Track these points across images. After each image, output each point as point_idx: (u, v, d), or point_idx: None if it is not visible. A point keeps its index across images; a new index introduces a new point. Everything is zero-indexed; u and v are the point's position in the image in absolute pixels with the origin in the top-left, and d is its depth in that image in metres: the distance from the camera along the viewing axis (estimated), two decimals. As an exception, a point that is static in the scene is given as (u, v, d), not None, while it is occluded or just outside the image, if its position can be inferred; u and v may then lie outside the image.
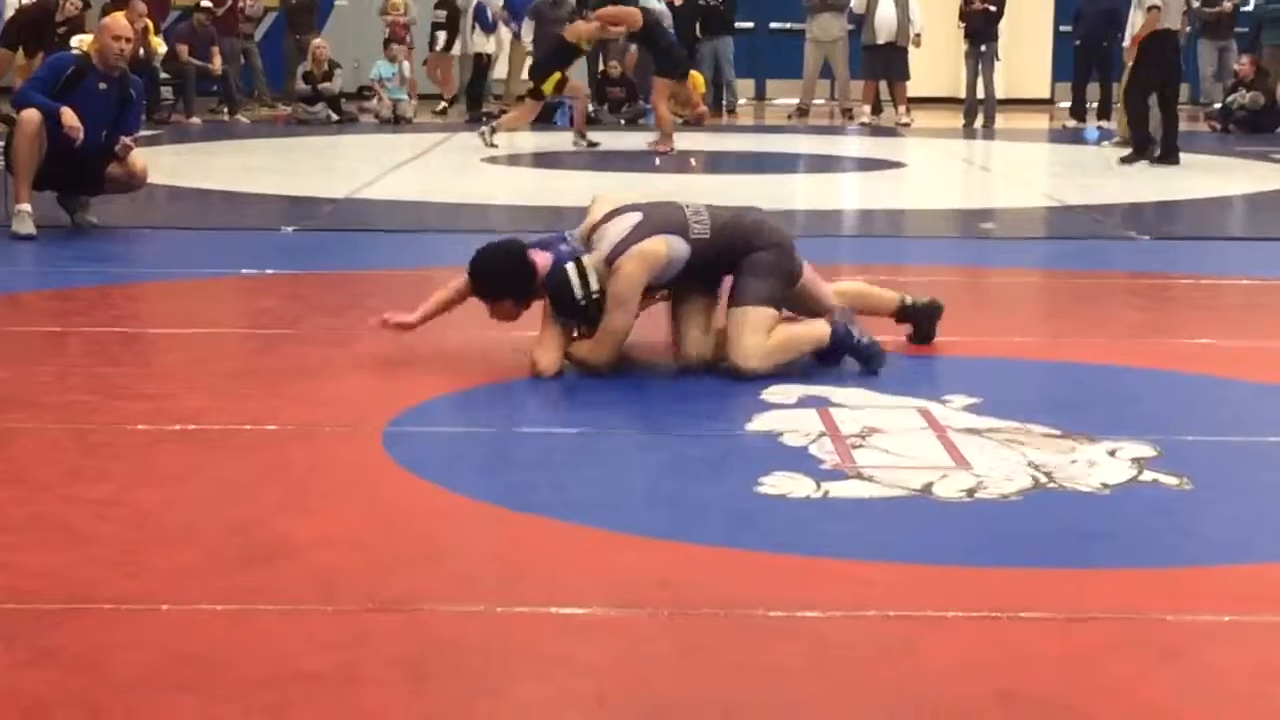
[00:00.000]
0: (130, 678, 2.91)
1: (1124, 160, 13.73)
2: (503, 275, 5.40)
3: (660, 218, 5.39)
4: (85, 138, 8.35)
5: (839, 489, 4.12)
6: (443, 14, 19.53)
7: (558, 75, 14.56)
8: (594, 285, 5.24)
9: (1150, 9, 13.33)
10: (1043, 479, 4.21)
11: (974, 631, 3.19)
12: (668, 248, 5.30)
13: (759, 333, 5.31)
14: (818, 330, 5.47)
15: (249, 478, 4.22)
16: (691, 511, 3.98)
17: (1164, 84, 13.54)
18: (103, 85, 8.48)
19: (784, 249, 5.49)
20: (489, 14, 19.12)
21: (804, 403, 5.00)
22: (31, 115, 8.33)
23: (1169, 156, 13.51)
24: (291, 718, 2.77)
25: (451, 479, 4.18)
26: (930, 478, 4.21)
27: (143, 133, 9.21)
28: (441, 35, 19.52)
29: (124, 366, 5.59)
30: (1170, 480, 4.21)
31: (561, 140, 15.72)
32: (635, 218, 5.38)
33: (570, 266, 5.27)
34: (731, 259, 5.41)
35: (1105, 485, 4.16)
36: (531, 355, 5.33)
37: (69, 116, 8.29)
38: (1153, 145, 13.66)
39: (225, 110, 18.77)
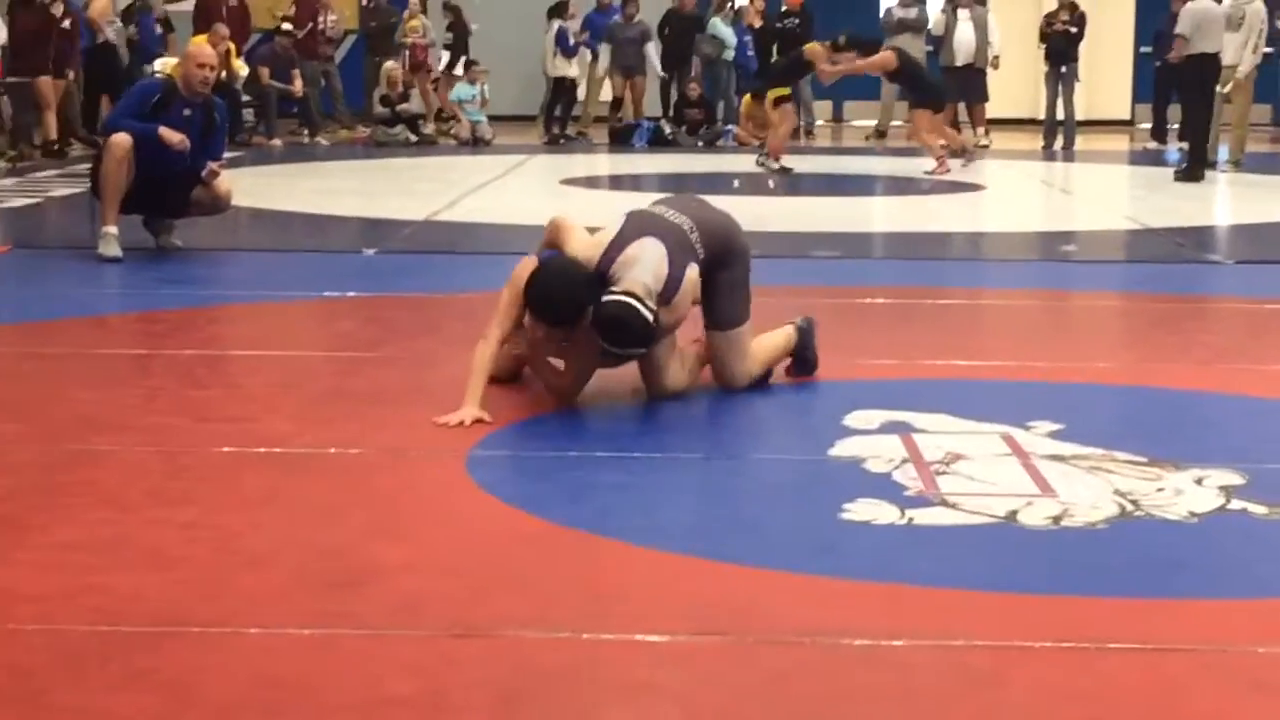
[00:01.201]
0: (219, 702, 2.94)
1: (1178, 176, 14.04)
2: (582, 305, 5.09)
3: (680, 247, 5.27)
4: (170, 162, 8.43)
5: (923, 516, 4.10)
6: (450, 36, 19.80)
7: (786, 90, 15.10)
8: (649, 316, 5.10)
9: (1176, 37, 13.73)
10: (1129, 507, 4.18)
11: (1061, 662, 3.17)
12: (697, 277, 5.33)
13: (746, 357, 5.48)
14: (787, 335, 5.66)
15: (334, 501, 4.25)
16: (775, 538, 3.97)
17: (1197, 106, 14.03)
18: (187, 111, 8.55)
19: (747, 260, 5.56)
20: (570, 38, 19.22)
21: (886, 428, 4.98)
22: (122, 139, 8.41)
23: (1193, 172, 13.86)
24: (379, 743, 2.79)
25: (535, 504, 4.19)
26: (1015, 505, 4.18)
27: (224, 155, 9.28)
28: (445, 56, 19.89)
29: (209, 389, 5.64)
30: (1259, 509, 4.16)
31: (634, 162, 15.74)
32: (661, 249, 5.21)
33: (627, 299, 5.05)
34: (706, 273, 5.39)
35: (1193, 514, 4.12)
36: (555, 382, 5.31)
37: (169, 134, 8.37)
38: (1205, 166, 13.98)
39: (305, 132, 18.95)
